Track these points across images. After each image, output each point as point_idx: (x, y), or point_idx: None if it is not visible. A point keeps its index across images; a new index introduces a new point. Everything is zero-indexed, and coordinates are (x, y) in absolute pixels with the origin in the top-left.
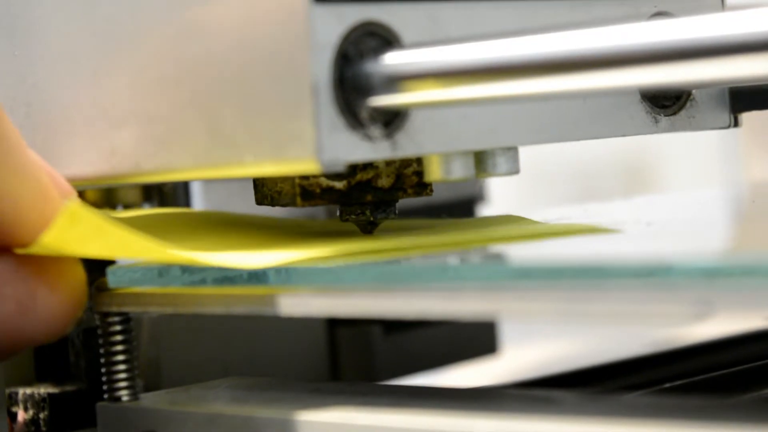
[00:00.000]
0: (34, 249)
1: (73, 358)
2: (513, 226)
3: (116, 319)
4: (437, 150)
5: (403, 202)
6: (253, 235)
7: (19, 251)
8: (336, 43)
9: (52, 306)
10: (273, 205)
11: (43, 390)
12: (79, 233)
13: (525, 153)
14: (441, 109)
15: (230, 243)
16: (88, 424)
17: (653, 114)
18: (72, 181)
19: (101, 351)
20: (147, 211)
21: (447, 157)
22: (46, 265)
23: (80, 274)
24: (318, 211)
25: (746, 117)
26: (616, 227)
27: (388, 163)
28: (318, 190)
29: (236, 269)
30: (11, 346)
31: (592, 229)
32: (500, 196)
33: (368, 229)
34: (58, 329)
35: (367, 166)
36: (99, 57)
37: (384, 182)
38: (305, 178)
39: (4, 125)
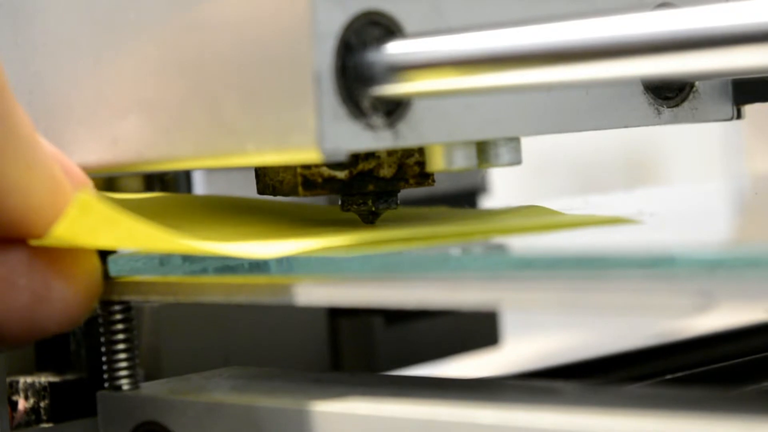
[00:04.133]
0: (47, 241)
1: (73, 346)
2: (533, 217)
3: (117, 308)
4: (439, 140)
5: (405, 193)
6: (259, 222)
7: (33, 243)
8: (338, 32)
9: (67, 296)
10: (275, 194)
11: (43, 379)
12: (90, 224)
13: (527, 144)
14: (443, 98)
15: (237, 230)
16: (89, 413)
17: (656, 105)
18: None
19: (102, 340)
20: (152, 194)
21: (449, 148)
22: (61, 255)
23: (95, 264)
24: (319, 201)
25: (749, 109)
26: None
27: (390, 152)
28: (320, 180)
29: (238, 258)
30: (26, 336)
31: (615, 220)
32: (502, 186)
33: (370, 219)
34: (73, 319)
35: (369, 155)
36: (101, 45)
37: (386, 172)
38: (307, 167)
39: (17, 118)
